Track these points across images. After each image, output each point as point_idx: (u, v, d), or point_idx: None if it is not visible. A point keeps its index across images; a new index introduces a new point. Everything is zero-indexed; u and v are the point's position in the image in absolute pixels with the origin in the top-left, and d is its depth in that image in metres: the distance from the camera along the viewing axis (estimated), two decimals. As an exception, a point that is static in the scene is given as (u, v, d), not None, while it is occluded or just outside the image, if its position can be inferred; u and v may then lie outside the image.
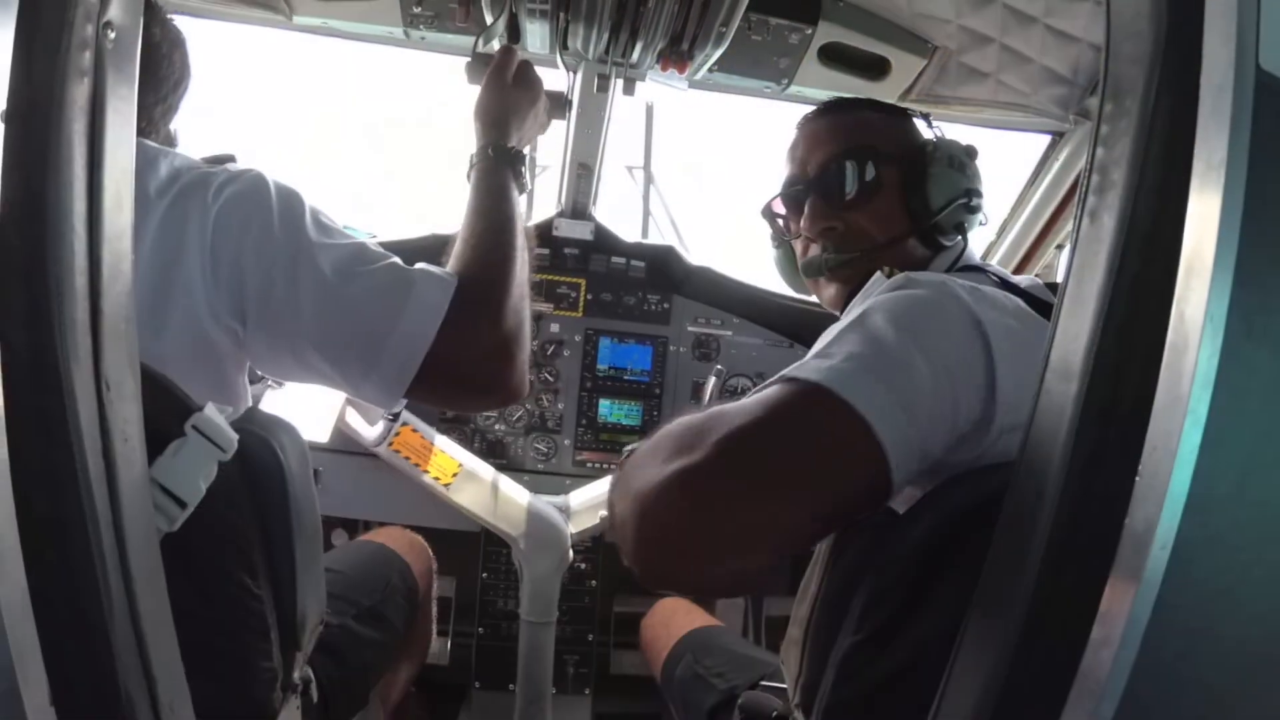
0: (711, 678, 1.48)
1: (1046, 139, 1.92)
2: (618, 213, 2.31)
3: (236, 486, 0.85)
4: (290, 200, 0.98)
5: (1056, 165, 1.92)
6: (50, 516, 0.59)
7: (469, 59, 1.37)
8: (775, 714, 1.14)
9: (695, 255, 2.26)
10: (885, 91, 1.71)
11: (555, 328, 2.22)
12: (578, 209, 2.16)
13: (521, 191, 1.17)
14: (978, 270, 1.06)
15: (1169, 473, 0.57)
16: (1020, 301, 0.89)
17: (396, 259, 1.01)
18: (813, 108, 1.26)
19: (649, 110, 2.16)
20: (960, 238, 1.14)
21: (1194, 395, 0.56)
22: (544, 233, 2.17)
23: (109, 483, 0.63)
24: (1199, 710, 0.62)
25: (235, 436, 0.80)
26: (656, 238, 2.42)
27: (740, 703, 1.27)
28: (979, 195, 1.13)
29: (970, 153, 1.15)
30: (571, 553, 1.98)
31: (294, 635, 0.95)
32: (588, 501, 2.03)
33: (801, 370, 0.77)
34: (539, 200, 2.24)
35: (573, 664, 2.15)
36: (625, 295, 2.24)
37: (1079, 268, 0.68)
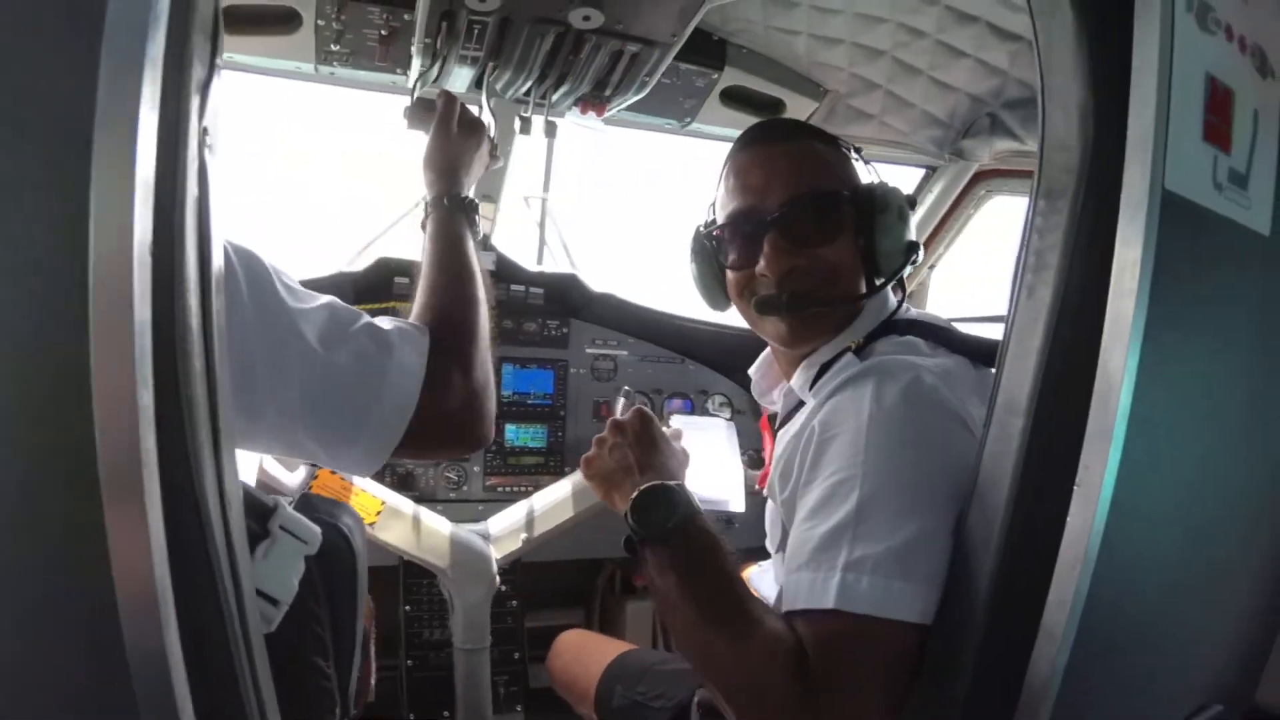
0: (652, 701, 1.49)
1: (921, 171, 2.14)
2: (509, 241, 2.33)
3: (313, 574, 0.83)
4: (253, 265, 0.88)
5: (931, 196, 2.15)
6: (208, 647, 0.58)
7: (408, 104, 1.36)
8: None
9: (599, 271, 2.34)
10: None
11: None
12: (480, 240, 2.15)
13: (475, 240, 1.17)
14: (913, 324, 1.14)
15: (1099, 483, 0.77)
16: (954, 361, 1.06)
17: (368, 317, 0.96)
18: (717, 137, 1.27)
19: (549, 143, 2.19)
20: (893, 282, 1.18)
21: (1116, 426, 0.76)
22: None
23: (236, 601, 0.63)
24: (1129, 649, 0.85)
25: (318, 530, 0.79)
26: (550, 263, 2.47)
27: (697, 700, 1.34)
28: (920, 249, 1.18)
29: (911, 203, 1.18)
30: (498, 578, 2.01)
31: (348, 706, 0.95)
32: (507, 527, 2.06)
33: (849, 597, 0.87)
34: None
35: (503, 684, 2.17)
36: (526, 322, 2.29)
37: (1020, 329, 0.86)
